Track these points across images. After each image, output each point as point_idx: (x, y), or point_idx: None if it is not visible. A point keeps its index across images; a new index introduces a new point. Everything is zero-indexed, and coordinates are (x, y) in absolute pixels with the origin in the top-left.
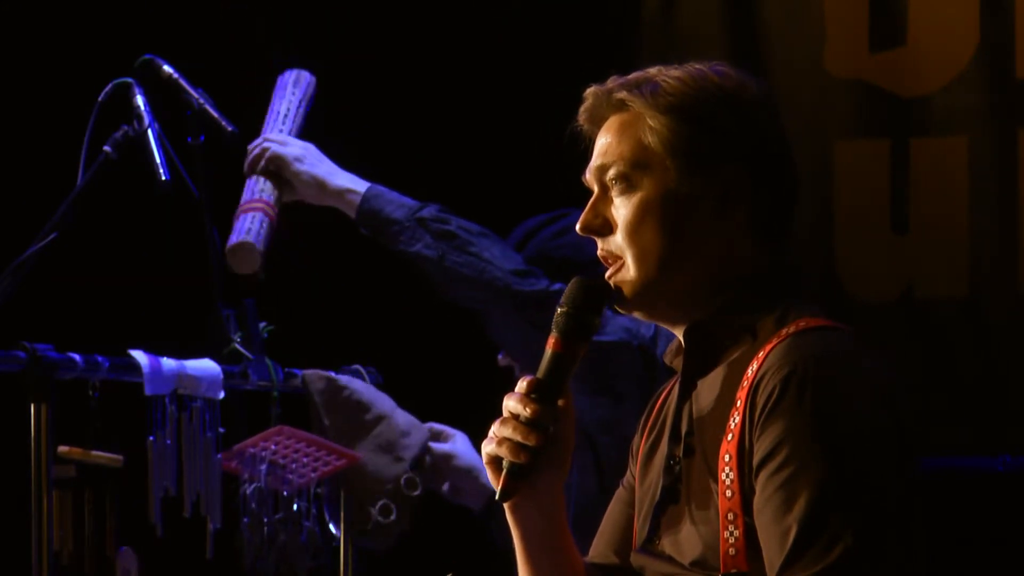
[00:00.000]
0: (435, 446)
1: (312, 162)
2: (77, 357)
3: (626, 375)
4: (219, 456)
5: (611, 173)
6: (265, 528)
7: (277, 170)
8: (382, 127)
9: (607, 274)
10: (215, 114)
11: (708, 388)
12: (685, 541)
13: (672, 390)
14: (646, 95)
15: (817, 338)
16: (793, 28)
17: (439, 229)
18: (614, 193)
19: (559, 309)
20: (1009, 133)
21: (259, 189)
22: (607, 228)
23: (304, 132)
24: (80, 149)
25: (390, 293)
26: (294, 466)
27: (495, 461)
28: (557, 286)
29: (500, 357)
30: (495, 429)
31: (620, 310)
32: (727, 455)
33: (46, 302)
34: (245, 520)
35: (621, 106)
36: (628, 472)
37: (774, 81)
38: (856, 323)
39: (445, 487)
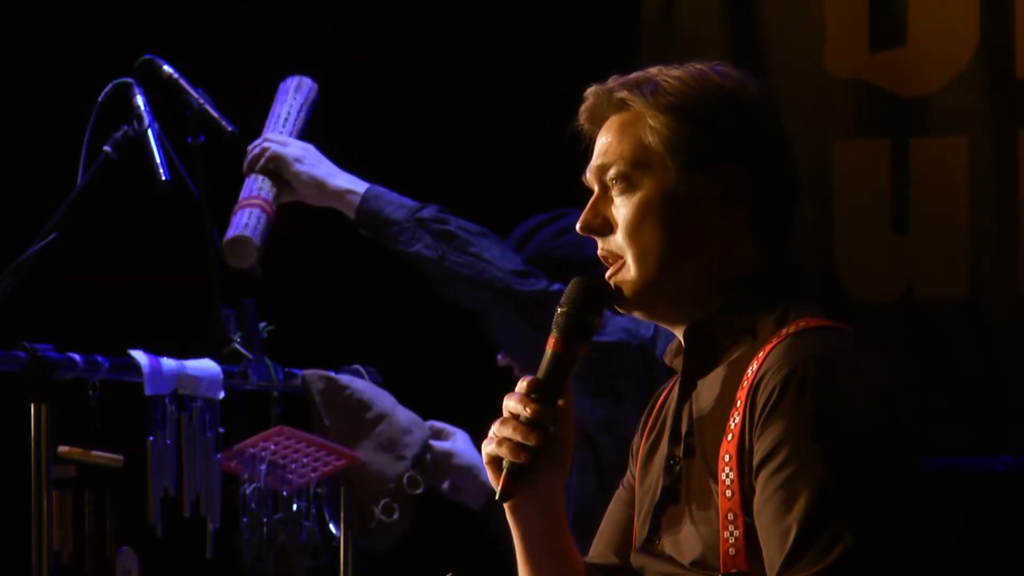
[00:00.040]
0: (435, 444)
1: (312, 163)
2: (77, 357)
3: (626, 375)
4: (219, 456)
5: (611, 173)
6: (265, 528)
7: (277, 170)
8: (382, 127)
9: (607, 274)
10: (215, 114)
11: (708, 388)
12: (685, 541)
13: (672, 390)
14: (647, 95)
15: (817, 338)
16: (793, 28)
17: (439, 229)
18: (614, 193)
19: (559, 309)
20: (1009, 133)
21: (257, 187)
22: (607, 228)
23: (304, 133)
24: (80, 149)
25: (390, 293)
26: (294, 466)
27: (495, 461)
28: (557, 286)
29: (500, 357)
30: (495, 429)
31: (620, 310)
32: (727, 455)
33: (46, 302)
34: (245, 520)
35: (622, 106)
36: (628, 472)
37: (774, 81)
38: (856, 323)
39: (445, 485)
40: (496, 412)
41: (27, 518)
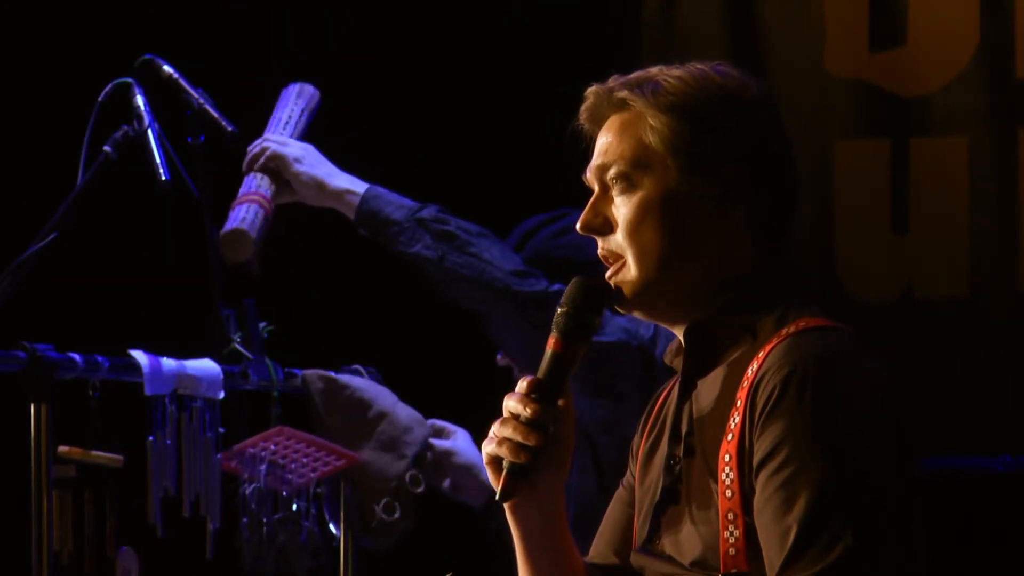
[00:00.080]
0: (436, 443)
1: (312, 163)
2: (77, 357)
3: (626, 375)
4: (219, 456)
5: (612, 172)
6: (265, 528)
7: (276, 169)
8: (382, 127)
9: (607, 274)
10: (215, 114)
11: (708, 388)
12: (685, 541)
13: (672, 390)
14: (647, 94)
15: (817, 338)
16: (793, 28)
17: (439, 230)
18: (615, 192)
19: (559, 309)
20: (1009, 133)
21: (256, 184)
22: (607, 227)
23: (305, 136)
24: (80, 149)
25: (390, 293)
26: (294, 466)
27: (495, 461)
28: (557, 286)
29: (499, 357)
30: (495, 429)
31: (620, 310)
32: (727, 455)
33: (46, 302)
34: (245, 520)
35: (622, 105)
36: (628, 472)
37: (774, 81)
38: (856, 323)
39: (446, 484)
40: (496, 412)
41: (27, 518)
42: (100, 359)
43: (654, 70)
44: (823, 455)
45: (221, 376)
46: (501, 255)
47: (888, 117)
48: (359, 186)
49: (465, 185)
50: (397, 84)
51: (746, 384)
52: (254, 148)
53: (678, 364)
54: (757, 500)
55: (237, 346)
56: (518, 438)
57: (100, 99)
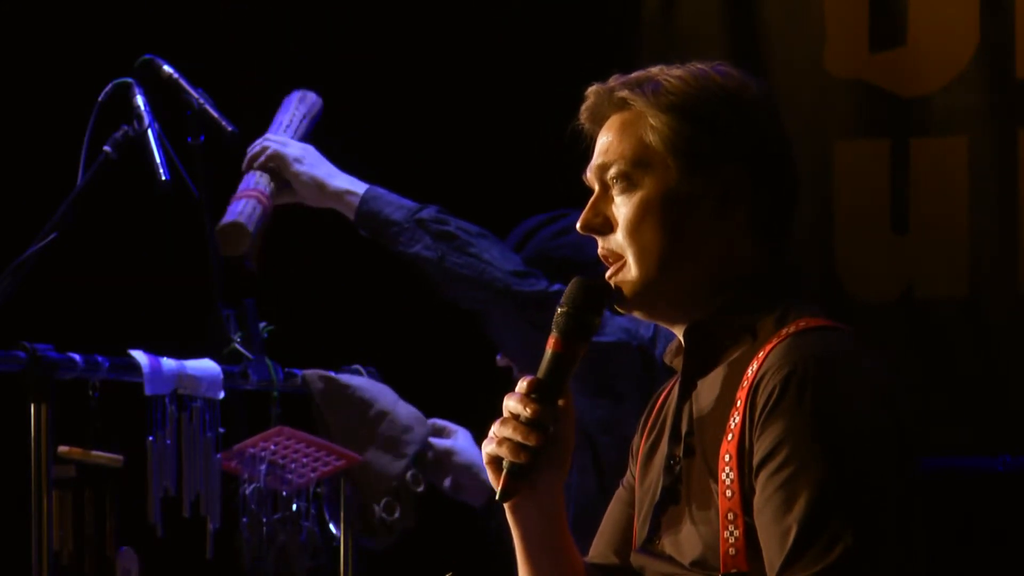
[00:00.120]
0: (437, 442)
1: (311, 163)
2: (77, 357)
3: (626, 375)
4: (219, 456)
5: (612, 172)
6: (265, 528)
7: (276, 168)
8: (382, 127)
9: (607, 274)
10: (215, 114)
11: (708, 388)
12: (685, 541)
13: (672, 390)
14: (648, 94)
15: (817, 338)
16: (793, 28)
17: (438, 230)
18: (615, 192)
19: (559, 309)
20: (1009, 133)
21: (255, 181)
22: (608, 227)
23: (305, 140)
24: (80, 149)
25: (390, 293)
26: (293, 466)
27: (495, 461)
28: (557, 286)
29: (499, 357)
30: (495, 429)
31: (620, 310)
32: (727, 455)
33: (46, 302)
34: (245, 520)
35: (623, 105)
36: (628, 472)
37: (774, 81)
38: (856, 323)
39: (446, 483)
40: (496, 412)
41: (27, 518)
42: (100, 359)
43: (655, 70)
44: (823, 455)
45: (221, 376)
46: (501, 255)
47: (888, 117)
48: (359, 187)
49: (465, 185)
50: (397, 84)
51: (746, 384)
52: (254, 148)
53: (678, 364)
54: (757, 500)
55: (237, 346)
56: (518, 438)
57: (100, 99)
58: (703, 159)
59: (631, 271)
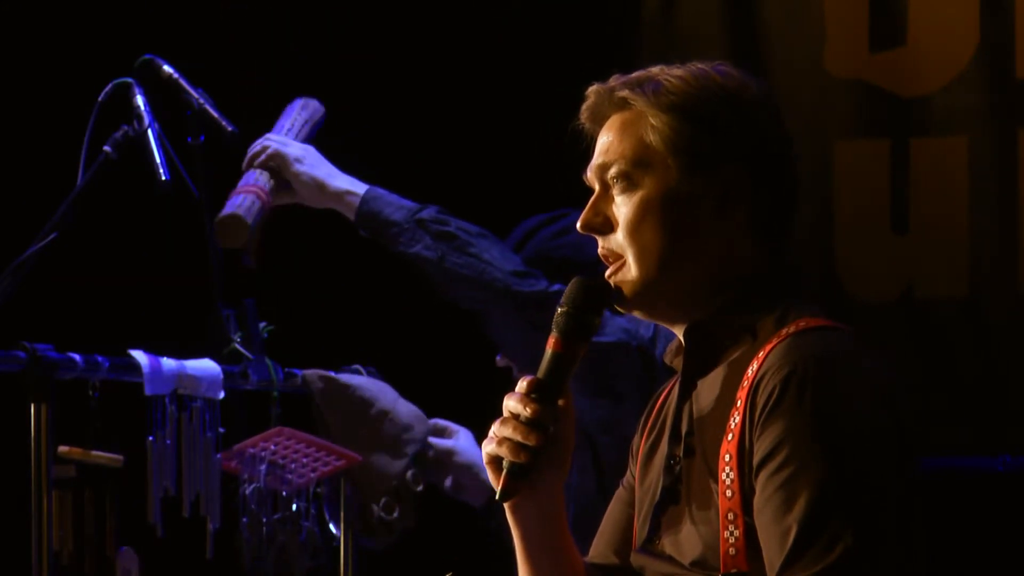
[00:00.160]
0: (437, 441)
1: (312, 163)
2: (77, 357)
3: (626, 375)
4: (219, 456)
5: (612, 171)
6: (265, 528)
7: (277, 168)
8: (382, 128)
9: (607, 273)
10: (215, 114)
11: (708, 388)
12: (685, 541)
13: (672, 390)
14: (648, 94)
15: (817, 338)
16: (793, 28)
17: (438, 230)
18: (615, 192)
19: (559, 309)
20: (1009, 133)
21: (255, 177)
22: (608, 226)
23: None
24: (80, 149)
25: (390, 293)
26: (293, 466)
27: (495, 461)
28: (557, 287)
29: (499, 357)
30: (495, 429)
31: (620, 309)
32: (727, 455)
33: (46, 302)
34: (245, 520)
35: (623, 104)
36: (628, 472)
37: (774, 81)
38: (856, 323)
39: (447, 483)
40: (496, 412)
41: (27, 518)
42: (100, 359)
43: (655, 70)
44: (823, 455)
45: (221, 376)
46: (501, 255)
47: (888, 117)
48: (359, 187)
49: (465, 185)
50: (397, 84)
51: (746, 384)
52: (255, 147)
53: (678, 364)
54: (757, 500)
55: (237, 346)
56: (518, 438)
57: (100, 99)
58: (703, 159)
59: (631, 271)
